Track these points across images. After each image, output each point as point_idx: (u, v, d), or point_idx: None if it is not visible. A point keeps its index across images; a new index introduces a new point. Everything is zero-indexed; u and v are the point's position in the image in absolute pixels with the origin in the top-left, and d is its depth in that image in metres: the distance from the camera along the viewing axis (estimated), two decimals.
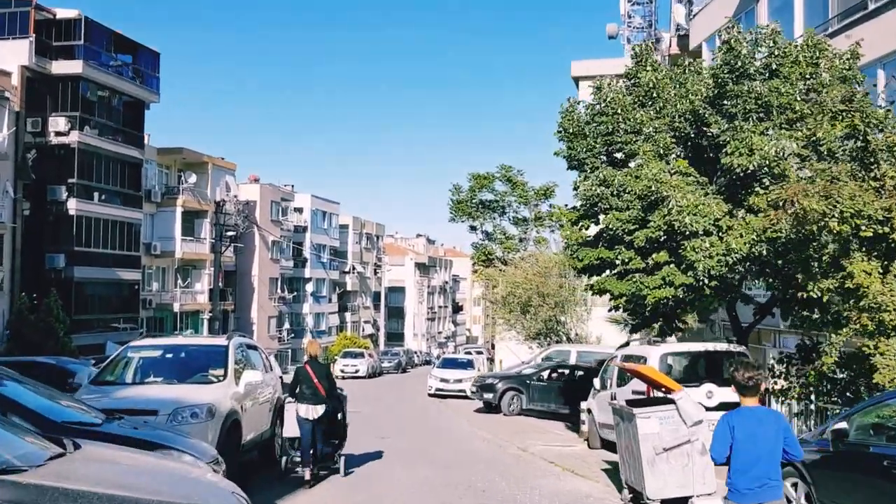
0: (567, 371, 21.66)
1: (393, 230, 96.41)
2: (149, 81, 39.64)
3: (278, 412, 11.44)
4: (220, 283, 43.12)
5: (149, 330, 38.88)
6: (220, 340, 10.64)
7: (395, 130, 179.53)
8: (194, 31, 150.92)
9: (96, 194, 35.61)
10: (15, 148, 32.36)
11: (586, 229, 14.50)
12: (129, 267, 37.97)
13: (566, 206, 15.15)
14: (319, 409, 10.20)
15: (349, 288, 70.76)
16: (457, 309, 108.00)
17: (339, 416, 10.82)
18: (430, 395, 29.19)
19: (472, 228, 38.93)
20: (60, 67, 34.21)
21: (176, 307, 42.57)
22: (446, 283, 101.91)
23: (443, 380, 28.99)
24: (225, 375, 9.58)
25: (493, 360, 40.85)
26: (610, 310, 15.58)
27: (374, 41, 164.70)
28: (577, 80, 43.61)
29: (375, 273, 78.13)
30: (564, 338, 26.57)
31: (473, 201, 38.48)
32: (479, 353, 44.11)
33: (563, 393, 21.01)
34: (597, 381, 13.67)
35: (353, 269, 71.05)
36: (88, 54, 34.78)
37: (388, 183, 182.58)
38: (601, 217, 13.50)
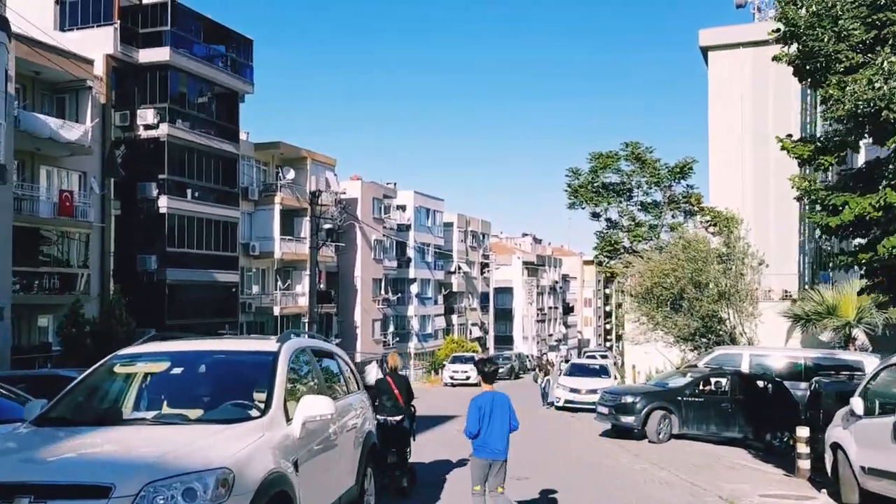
0: (739, 382, 16.97)
1: (497, 229, 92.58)
2: (242, 71, 37.26)
3: (370, 455, 7.61)
4: (320, 284, 40.32)
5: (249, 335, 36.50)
6: (267, 344, 6.50)
7: (496, 125, 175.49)
8: (289, 21, 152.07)
9: (189, 191, 33.35)
10: (102, 142, 30.38)
11: (825, 170, 9.93)
12: (227, 268, 35.63)
13: (789, 137, 10.59)
14: (398, 419, 10.47)
15: (455, 289, 67.26)
16: (567, 310, 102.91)
17: (409, 427, 10.88)
18: (559, 407, 24.97)
19: (595, 216, 34.43)
20: (147, 56, 32.10)
21: (276, 311, 40.08)
22: (556, 282, 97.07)
23: (573, 390, 24.59)
24: (268, 406, 5.54)
25: (620, 365, 36.16)
26: (863, 291, 10.89)
27: (474, 26, 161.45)
28: (705, 49, 38.38)
29: (482, 273, 74.37)
30: (727, 338, 21.74)
31: (595, 184, 33.99)
32: (605, 356, 39.38)
33: (734, 412, 16.38)
34: (856, 403, 8.88)
35: (459, 268, 67.50)
36: (177, 41, 32.53)
37: (491, 180, 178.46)
38: (863, 146, 8.88)
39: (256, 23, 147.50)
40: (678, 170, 32.37)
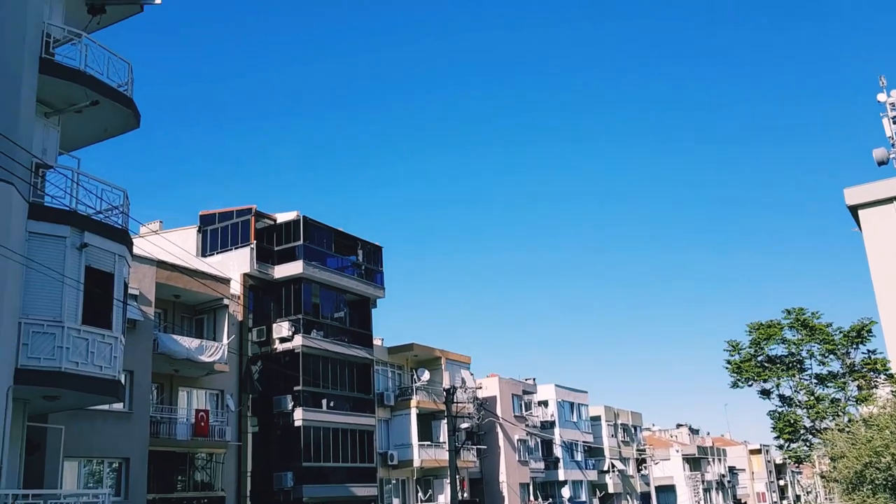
0: None
1: (649, 421, 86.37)
2: (372, 277, 37.58)
3: None
4: (463, 493, 37.36)
5: None
6: None
7: (636, 310, 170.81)
8: (417, 225, 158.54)
9: (324, 401, 32.54)
10: (239, 359, 30.48)
11: None
12: (364, 481, 33.70)
13: None
14: None
15: (611, 489, 61.57)
16: None
17: None
18: None
19: (764, 393, 30.39)
20: (282, 271, 32.90)
21: None
22: (722, 476, 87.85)
23: None
24: None
25: None
26: None
27: (606, 231, 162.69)
28: (854, 208, 35.59)
29: (639, 470, 68.23)
30: None
31: (758, 358, 30.38)
32: None
33: None
34: None
35: (613, 466, 62.18)
36: (309, 255, 33.31)
37: (635, 368, 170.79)
38: None
39: (385, 228, 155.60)
40: (854, 333, 28.46)
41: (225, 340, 28.30)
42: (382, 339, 40.07)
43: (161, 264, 26.79)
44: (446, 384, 38.11)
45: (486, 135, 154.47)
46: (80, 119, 15.22)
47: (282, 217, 34.09)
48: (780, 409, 29.94)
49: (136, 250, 27.13)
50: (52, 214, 13.44)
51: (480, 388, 44.45)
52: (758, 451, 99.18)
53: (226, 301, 29.09)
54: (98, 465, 23.90)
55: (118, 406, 24.37)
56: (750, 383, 30.20)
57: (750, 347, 30.35)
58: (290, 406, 31.22)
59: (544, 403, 54.89)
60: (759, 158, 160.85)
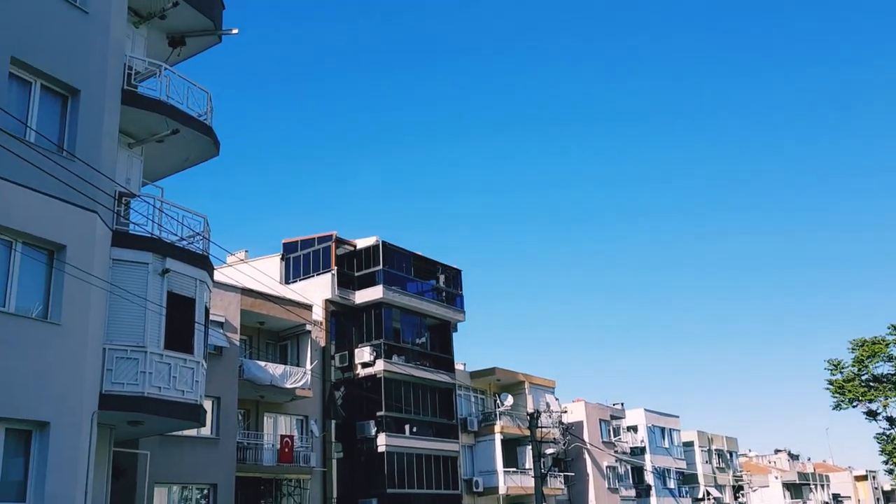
0: None
1: (745, 447, 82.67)
2: (453, 300, 37.34)
3: None
4: None
5: None
6: None
7: (726, 328, 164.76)
8: (494, 248, 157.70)
9: (407, 427, 32.29)
10: (322, 385, 30.64)
11: None
12: None
13: None
14: None
15: None
16: None
17: None
18: None
19: (871, 414, 28.55)
20: (362, 296, 33.01)
21: None
22: None
23: None
24: None
25: None
26: None
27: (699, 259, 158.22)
28: None
29: (735, 498, 65.21)
30: None
31: (862, 377, 28.60)
32: None
33: None
34: None
35: (708, 494, 59.58)
36: (388, 279, 33.35)
37: (728, 390, 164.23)
38: None
39: (464, 250, 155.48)
40: None
41: (308, 366, 28.49)
42: (465, 364, 39.71)
43: (246, 291, 27.27)
44: (530, 409, 37.33)
45: (572, 140, 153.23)
46: (161, 148, 15.60)
47: (361, 243, 34.32)
48: (888, 432, 28.03)
49: (222, 278, 27.88)
50: (134, 241, 13.72)
51: (566, 412, 43.36)
52: (864, 478, 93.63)
53: (308, 327, 29.35)
54: (187, 492, 24.28)
55: (206, 432, 24.81)
56: (854, 404, 28.44)
57: (853, 366, 28.63)
58: (373, 431, 31.10)
59: (633, 429, 53.19)
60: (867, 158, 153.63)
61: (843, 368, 28.93)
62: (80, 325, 12.17)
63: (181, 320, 13.96)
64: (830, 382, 29.45)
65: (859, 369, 28.58)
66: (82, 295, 12.29)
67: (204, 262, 14.71)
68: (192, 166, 16.62)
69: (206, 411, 15.15)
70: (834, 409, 29.88)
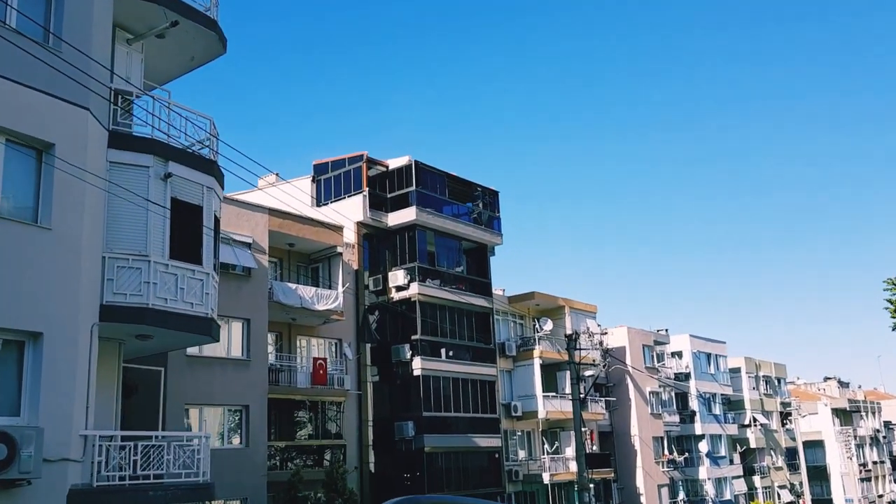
0: None
1: (793, 374, 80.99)
2: (489, 223, 36.09)
3: None
4: (592, 446, 35.71)
5: None
6: None
7: (772, 260, 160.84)
8: (533, 168, 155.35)
9: (443, 350, 31.59)
10: (356, 308, 29.97)
11: None
12: (488, 432, 32.69)
13: None
14: None
15: (753, 444, 58.02)
16: None
17: None
18: None
19: None
20: (395, 218, 31.96)
21: (546, 478, 35.87)
22: (877, 431, 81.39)
23: None
24: None
25: None
26: None
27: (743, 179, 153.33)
28: None
29: (783, 425, 64.01)
30: None
31: None
32: None
33: None
34: None
35: (755, 420, 58.49)
36: (422, 200, 32.17)
37: (776, 317, 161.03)
38: None
39: (503, 175, 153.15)
40: None
41: (340, 289, 27.73)
42: (504, 290, 38.67)
43: (273, 212, 26.42)
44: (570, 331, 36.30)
45: (616, 60, 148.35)
46: (163, 45, 14.41)
47: (394, 163, 33.08)
48: None
49: (252, 199, 27.06)
50: (133, 143, 12.69)
51: (606, 333, 42.21)
52: None
53: (339, 249, 28.50)
54: (219, 412, 24.01)
55: (237, 353, 24.40)
56: None
57: None
58: (408, 355, 30.47)
59: (678, 354, 51.96)
60: None
61: None
62: (73, 231, 11.28)
63: (188, 229, 13.02)
64: (890, 302, 27.63)
65: None
66: (75, 198, 11.37)
67: (211, 168, 13.65)
68: (198, 66, 15.42)
69: (219, 326, 14.35)
70: (894, 329, 28.14)
